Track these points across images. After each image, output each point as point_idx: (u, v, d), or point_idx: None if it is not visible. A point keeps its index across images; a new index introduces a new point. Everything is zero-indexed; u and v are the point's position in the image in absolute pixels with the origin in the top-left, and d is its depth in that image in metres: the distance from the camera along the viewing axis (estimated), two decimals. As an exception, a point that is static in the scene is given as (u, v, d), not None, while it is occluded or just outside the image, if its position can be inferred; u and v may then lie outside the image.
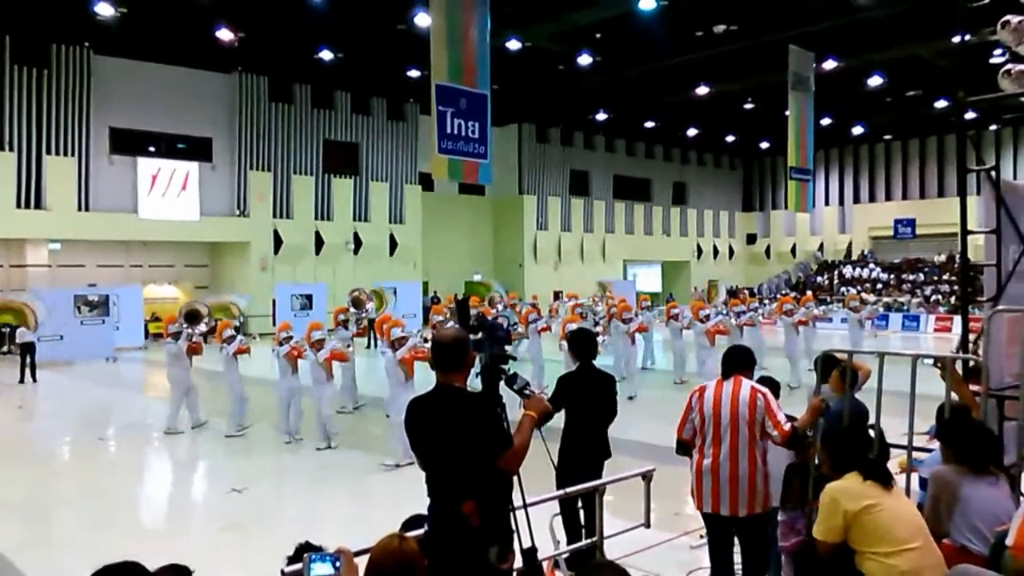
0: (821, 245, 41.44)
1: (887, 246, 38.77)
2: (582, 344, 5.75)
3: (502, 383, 3.25)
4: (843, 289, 33.89)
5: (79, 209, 23.79)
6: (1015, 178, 29.49)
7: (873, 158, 40.39)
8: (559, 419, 5.16)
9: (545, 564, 4.16)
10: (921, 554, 3.40)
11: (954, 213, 6.17)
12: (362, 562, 2.56)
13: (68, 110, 23.46)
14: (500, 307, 20.59)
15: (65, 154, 23.53)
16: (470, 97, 9.52)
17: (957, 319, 18.55)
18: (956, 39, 6.24)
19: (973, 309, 6.47)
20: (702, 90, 26.84)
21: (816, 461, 4.17)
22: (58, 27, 21.89)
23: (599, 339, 12.42)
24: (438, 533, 3.12)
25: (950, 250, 33.88)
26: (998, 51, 14.52)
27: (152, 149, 25.72)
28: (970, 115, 6.44)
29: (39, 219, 23.12)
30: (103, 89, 24.08)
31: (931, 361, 4.94)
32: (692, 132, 37.04)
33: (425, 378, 4.03)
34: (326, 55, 23.61)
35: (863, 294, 29.74)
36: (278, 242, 27.62)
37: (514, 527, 3.17)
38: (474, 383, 3.27)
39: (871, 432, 4.48)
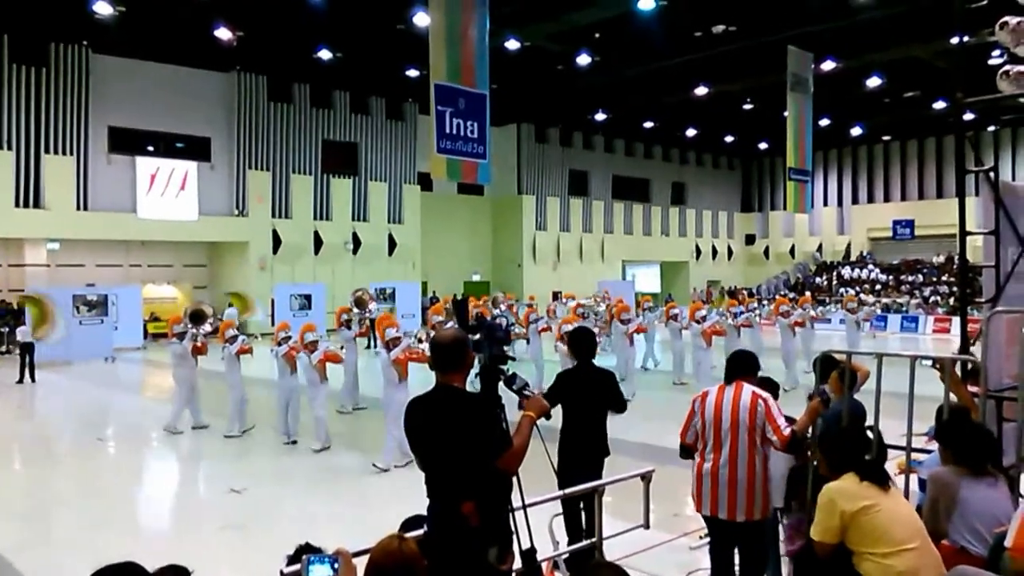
0: (820, 246, 41.44)
1: (886, 247, 38.77)
2: (581, 342, 5.75)
3: (501, 383, 3.25)
4: (842, 290, 33.88)
5: (78, 208, 23.76)
6: (1014, 179, 29.46)
7: (872, 159, 40.39)
8: (557, 419, 5.16)
9: (544, 565, 4.16)
10: (918, 555, 3.41)
11: (953, 214, 6.17)
12: (361, 563, 2.56)
13: (67, 109, 23.42)
14: (501, 307, 20.53)
15: (64, 153, 23.50)
16: (469, 97, 9.50)
17: (956, 320, 18.55)
18: (955, 40, 6.24)
19: (972, 310, 6.48)
20: (701, 90, 26.84)
21: (815, 462, 4.18)
22: (57, 26, 21.87)
23: (599, 339, 12.42)
24: (438, 534, 3.12)
25: (949, 251, 33.89)
26: (996, 52, 14.50)
27: (151, 148, 25.69)
28: (969, 116, 6.43)
29: (38, 218, 23.08)
30: (102, 88, 24.06)
31: (930, 362, 4.93)
32: (691, 132, 37.06)
33: (424, 379, 4.02)
34: (325, 55, 23.60)
35: (862, 295, 29.75)
36: (277, 242, 27.60)
37: (513, 528, 3.17)
38: (474, 383, 3.27)
39: (869, 433, 4.49)
